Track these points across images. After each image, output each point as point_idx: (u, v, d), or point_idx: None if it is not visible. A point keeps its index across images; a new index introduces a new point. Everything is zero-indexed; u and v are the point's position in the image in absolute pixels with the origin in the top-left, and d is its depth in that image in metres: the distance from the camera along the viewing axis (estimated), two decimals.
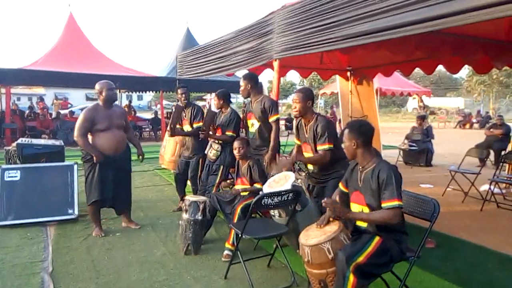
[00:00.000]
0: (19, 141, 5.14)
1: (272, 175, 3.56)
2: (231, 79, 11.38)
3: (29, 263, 3.34)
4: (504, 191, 5.75)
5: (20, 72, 12.30)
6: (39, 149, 4.96)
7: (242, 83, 4.21)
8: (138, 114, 17.91)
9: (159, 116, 16.11)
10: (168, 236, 4.06)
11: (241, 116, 4.81)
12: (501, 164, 5.91)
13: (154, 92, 18.35)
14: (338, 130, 5.13)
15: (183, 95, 4.86)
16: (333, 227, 2.38)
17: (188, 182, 4.99)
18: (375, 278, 2.39)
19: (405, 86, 15.20)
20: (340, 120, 9.79)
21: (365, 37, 3.15)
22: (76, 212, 4.49)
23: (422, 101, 25.21)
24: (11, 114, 12.72)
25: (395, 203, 2.23)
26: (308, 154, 3.44)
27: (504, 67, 6.13)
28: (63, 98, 24.21)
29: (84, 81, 13.10)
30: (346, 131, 2.51)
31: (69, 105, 21.02)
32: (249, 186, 3.71)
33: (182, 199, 4.42)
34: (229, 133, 4.36)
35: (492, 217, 4.93)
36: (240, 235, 2.90)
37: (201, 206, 3.56)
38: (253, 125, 4.19)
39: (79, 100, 27.07)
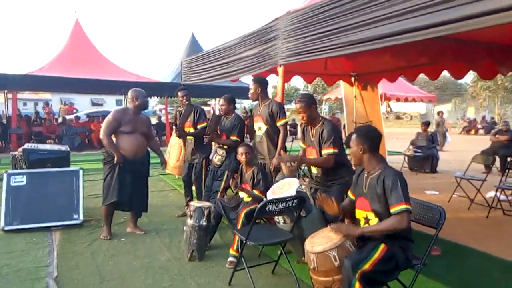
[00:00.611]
0: (25, 146, 5.19)
1: (277, 181, 3.55)
2: (235, 85, 11.43)
3: (34, 268, 3.35)
4: (510, 198, 5.68)
5: (27, 78, 12.43)
6: (45, 154, 5.00)
7: (252, 86, 4.27)
8: None
9: (164, 121, 16.18)
10: (172, 241, 4.06)
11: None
12: (507, 170, 5.85)
13: (159, 97, 18.43)
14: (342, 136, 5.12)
15: (184, 98, 4.91)
16: (339, 234, 2.37)
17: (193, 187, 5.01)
18: (381, 286, 2.37)
19: (409, 91, 15.18)
20: (344, 125, 9.77)
21: (369, 43, 3.16)
22: (81, 217, 4.51)
23: (389, 106, 25.79)
24: (17, 119, 12.83)
25: (403, 206, 2.21)
26: (312, 157, 3.44)
27: (509, 73, 6.10)
28: (69, 103, 24.37)
29: (89, 86, 13.22)
30: (354, 136, 2.49)
31: (74, 110, 21.14)
32: (249, 190, 3.71)
33: (188, 205, 4.43)
34: (233, 138, 4.37)
35: (498, 224, 4.88)
36: (244, 242, 2.89)
37: (205, 212, 3.55)
38: (260, 128, 4.21)
39: (84, 106, 27.23)
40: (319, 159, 3.32)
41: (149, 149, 4.42)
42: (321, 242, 2.36)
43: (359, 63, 6.62)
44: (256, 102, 4.40)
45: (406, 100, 15.73)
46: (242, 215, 3.48)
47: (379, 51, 4.02)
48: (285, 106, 4.54)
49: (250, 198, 3.68)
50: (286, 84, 5.91)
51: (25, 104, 27.28)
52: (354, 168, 2.76)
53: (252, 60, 5.00)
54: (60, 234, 4.21)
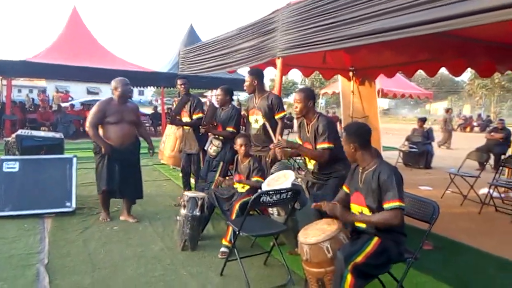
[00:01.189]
0: (19, 132, 5.12)
1: (272, 173, 3.54)
2: (232, 76, 11.38)
3: (25, 254, 3.33)
4: (503, 195, 5.75)
5: (22, 64, 12.27)
6: (39, 141, 4.94)
7: (248, 78, 4.22)
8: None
9: (159, 111, 16.10)
10: (165, 231, 4.05)
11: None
12: (500, 168, 5.90)
13: (155, 87, 18.32)
14: (339, 130, 5.12)
15: (183, 86, 4.86)
16: (333, 227, 2.38)
17: (192, 180, 5.00)
18: (373, 279, 2.38)
19: (406, 88, 15.16)
20: (340, 120, 9.77)
21: (369, 37, 3.14)
22: (74, 205, 4.48)
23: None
24: (11, 106, 12.70)
25: (396, 204, 2.21)
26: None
27: (507, 71, 6.11)
28: (64, 91, 24.17)
29: (85, 74, 13.08)
30: (344, 135, 2.51)
31: (69, 98, 20.97)
32: (247, 180, 3.69)
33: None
34: (229, 129, 4.35)
35: (490, 220, 4.93)
36: (237, 232, 2.89)
37: (199, 202, 3.54)
38: (257, 121, 4.19)
39: (80, 94, 27.07)
40: (314, 152, 3.31)
41: (140, 137, 4.40)
42: (315, 233, 2.37)
43: (358, 57, 6.59)
44: (251, 95, 4.37)
45: (403, 96, 15.73)
46: (236, 206, 3.46)
47: (379, 46, 4.02)
48: (282, 100, 4.52)
49: (245, 189, 3.67)
50: (283, 77, 5.89)
51: (19, 91, 27.04)
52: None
53: (251, 52, 4.96)
54: (52, 222, 4.18)
